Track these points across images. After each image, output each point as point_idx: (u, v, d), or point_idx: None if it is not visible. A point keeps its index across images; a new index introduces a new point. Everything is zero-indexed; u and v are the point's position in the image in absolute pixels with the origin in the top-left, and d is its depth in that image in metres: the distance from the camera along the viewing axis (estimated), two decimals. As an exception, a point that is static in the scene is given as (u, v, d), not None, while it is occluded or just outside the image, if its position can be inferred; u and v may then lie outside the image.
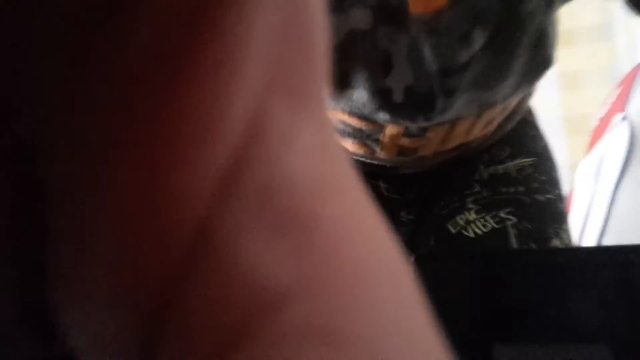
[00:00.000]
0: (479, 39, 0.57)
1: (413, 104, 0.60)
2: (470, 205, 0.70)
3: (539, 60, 0.62)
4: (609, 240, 1.11)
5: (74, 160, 0.08)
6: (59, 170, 0.08)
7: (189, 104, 0.08)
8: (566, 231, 0.71)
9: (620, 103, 1.28)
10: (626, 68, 1.42)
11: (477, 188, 0.71)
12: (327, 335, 0.08)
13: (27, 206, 0.08)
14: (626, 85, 1.30)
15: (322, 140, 0.09)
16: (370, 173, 0.73)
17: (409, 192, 0.76)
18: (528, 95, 0.73)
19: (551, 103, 1.64)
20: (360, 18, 0.56)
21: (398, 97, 0.60)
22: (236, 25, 0.08)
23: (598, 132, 1.32)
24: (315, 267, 0.08)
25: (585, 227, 1.18)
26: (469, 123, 0.66)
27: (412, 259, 0.51)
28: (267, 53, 0.08)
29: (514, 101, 0.68)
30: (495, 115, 0.68)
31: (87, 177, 0.08)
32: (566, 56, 1.61)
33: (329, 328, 0.08)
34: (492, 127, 0.70)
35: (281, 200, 0.08)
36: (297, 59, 0.09)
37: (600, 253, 0.52)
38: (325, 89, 0.10)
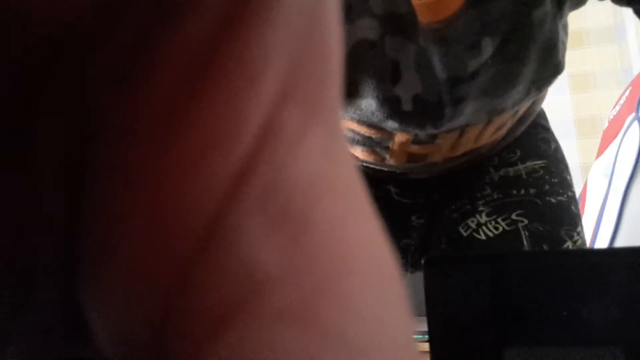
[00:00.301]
0: (488, 48, 0.57)
1: (422, 113, 0.61)
2: (482, 208, 0.70)
3: (549, 67, 0.62)
4: (621, 242, 1.10)
5: (115, 151, 0.09)
6: (100, 160, 0.09)
7: (211, 114, 0.08)
8: (579, 233, 0.70)
9: (632, 104, 1.27)
10: (637, 69, 1.42)
11: (487, 191, 0.71)
12: (303, 319, 0.09)
13: (66, 194, 0.09)
14: (637, 86, 1.29)
15: (328, 145, 0.10)
16: (381, 178, 0.73)
17: (419, 196, 0.76)
18: (539, 99, 0.72)
19: (562, 104, 1.63)
20: (368, 28, 0.57)
21: (407, 105, 0.60)
22: (259, 36, 0.08)
23: (609, 134, 1.31)
24: (302, 258, 0.09)
25: (598, 229, 1.17)
26: (479, 129, 0.66)
27: (423, 262, 0.51)
28: (286, 62, 0.09)
29: (524, 106, 0.68)
30: (505, 121, 0.68)
31: (122, 170, 0.09)
32: (577, 57, 1.61)
33: (306, 313, 0.09)
34: (502, 133, 0.70)
35: (279, 198, 0.09)
36: (313, 67, 0.09)
37: (613, 255, 0.52)
38: (338, 96, 0.10)
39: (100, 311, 0.09)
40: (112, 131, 0.09)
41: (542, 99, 0.74)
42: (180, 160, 0.09)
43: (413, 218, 0.75)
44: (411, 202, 0.75)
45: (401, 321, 0.10)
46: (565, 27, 0.63)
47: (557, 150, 0.76)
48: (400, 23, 0.57)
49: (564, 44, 0.63)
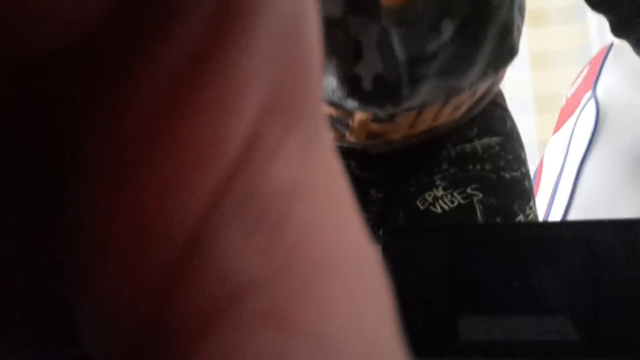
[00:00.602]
0: (447, 30, 0.58)
1: (381, 92, 0.62)
2: (438, 182, 0.72)
3: (505, 49, 0.63)
4: (574, 216, 1.14)
5: (99, 163, 0.09)
6: (82, 173, 0.09)
7: (195, 129, 0.09)
8: (531, 208, 0.73)
9: (589, 82, 1.30)
10: (597, 49, 1.45)
11: (445, 165, 0.73)
12: (279, 321, 0.09)
13: (48, 202, 0.10)
14: (595, 65, 1.32)
15: (307, 150, 0.10)
16: (341, 153, 0.74)
17: (378, 170, 0.77)
18: (497, 80, 0.74)
19: (522, 81, 1.66)
20: (331, 6, 0.57)
21: (367, 84, 0.61)
22: (243, 52, 0.09)
23: (567, 110, 1.34)
24: (280, 261, 0.09)
25: (552, 203, 1.21)
26: (437, 108, 0.68)
27: (382, 233, 0.52)
28: (268, 75, 0.09)
29: (481, 87, 0.69)
30: (463, 101, 0.69)
31: (105, 184, 0.09)
32: (538, 36, 1.63)
33: (285, 315, 0.09)
34: (460, 112, 0.71)
35: (257, 205, 0.09)
36: (294, 77, 0.10)
37: (565, 228, 0.53)
38: (319, 99, 0.10)
39: (88, 318, 0.10)
40: (94, 144, 0.09)
41: (499, 80, 0.76)
42: (163, 174, 0.09)
43: (372, 192, 0.77)
44: (370, 177, 0.77)
45: (383, 320, 0.10)
46: (521, 10, 0.64)
47: (513, 128, 0.78)
48: (364, 3, 0.57)
49: (519, 28, 0.64)
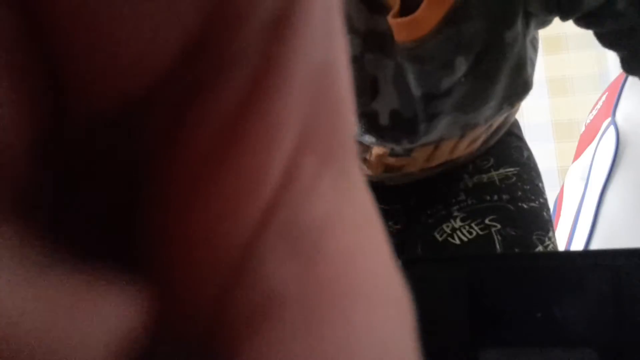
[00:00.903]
0: (461, 66, 0.58)
1: (398, 127, 0.62)
2: (456, 213, 0.72)
3: (519, 84, 0.63)
4: (596, 245, 1.12)
5: (162, 196, 0.10)
6: (149, 202, 0.10)
7: (241, 165, 0.10)
8: (550, 239, 0.72)
9: (608, 109, 1.29)
10: (614, 74, 1.44)
11: (462, 196, 0.73)
12: (309, 337, 0.10)
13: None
14: (613, 91, 1.32)
15: (340, 185, 0.11)
16: None
17: (395, 202, 0.77)
18: (512, 112, 0.74)
19: (541, 108, 1.65)
20: (350, 44, 0.58)
21: (384, 120, 0.62)
22: (279, 97, 0.10)
23: (586, 137, 1.33)
24: (314, 283, 0.10)
25: (574, 232, 1.19)
26: (453, 142, 0.68)
27: (401, 263, 0.52)
28: (302, 116, 0.10)
29: (497, 120, 0.70)
30: (479, 134, 0.69)
31: (170, 212, 0.10)
32: (556, 62, 1.63)
33: (313, 332, 0.10)
34: (476, 145, 0.72)
35: (295, 234, 0.10)
36: (326, 116, 0.11)
37: (588, 257, 0.53)
38: (351, 136, 0.12)
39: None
40: (160, 178, 0.10)
41: (515, 112, 0.76)
42: (216, 204, 0.10)
43: (390, 224, 0.77)
44: (388, 208, 0.77)
45: (405, 345, 0.11)
46: (534, 44, 0.64)
47: (530, 158, 0.78)
48: (380, 40, 0.58)
49: (533, 62, 0.64)
